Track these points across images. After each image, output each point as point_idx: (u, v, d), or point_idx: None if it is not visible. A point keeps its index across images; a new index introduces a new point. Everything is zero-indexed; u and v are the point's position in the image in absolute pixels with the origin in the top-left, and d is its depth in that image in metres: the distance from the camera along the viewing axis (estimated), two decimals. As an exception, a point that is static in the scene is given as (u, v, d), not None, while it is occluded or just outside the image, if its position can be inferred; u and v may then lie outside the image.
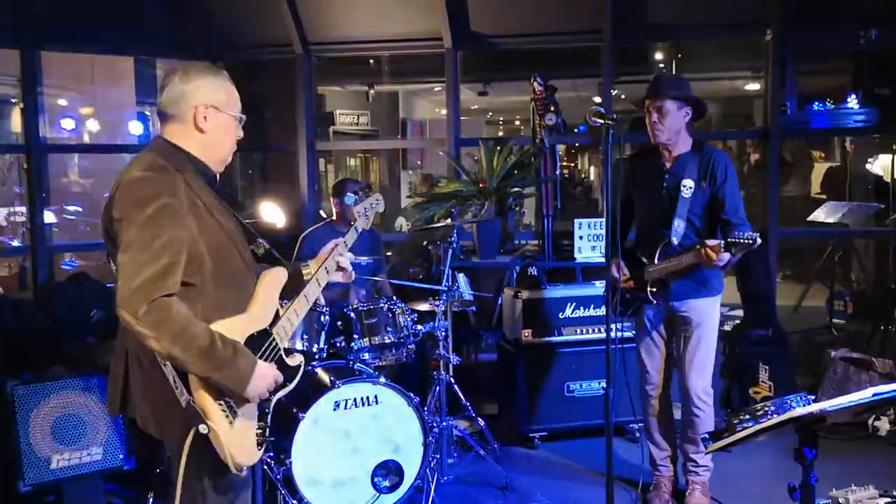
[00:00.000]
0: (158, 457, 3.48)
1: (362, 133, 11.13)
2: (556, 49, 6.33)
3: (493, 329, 5.27)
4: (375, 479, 3.51)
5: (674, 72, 8.41)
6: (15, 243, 7.67)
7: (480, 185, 5.35)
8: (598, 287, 4.62)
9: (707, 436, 2.34)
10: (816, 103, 5.68)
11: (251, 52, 6.06)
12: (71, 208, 9.02)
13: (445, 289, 4.05)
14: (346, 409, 3.46)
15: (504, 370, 4.79)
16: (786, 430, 2.08)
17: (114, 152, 7.84)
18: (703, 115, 3.66)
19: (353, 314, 3.76)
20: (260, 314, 2.18)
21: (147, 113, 9.34)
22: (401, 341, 3.81)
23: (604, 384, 2.84)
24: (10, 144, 8.23)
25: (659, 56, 8.79)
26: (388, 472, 3.55)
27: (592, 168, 17.54)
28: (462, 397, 4.15)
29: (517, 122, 16.97)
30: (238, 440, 2.05)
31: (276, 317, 2.23)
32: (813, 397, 2.28)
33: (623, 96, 9.87)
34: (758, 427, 2.11)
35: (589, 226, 5.10)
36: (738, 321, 5.19)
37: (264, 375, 2.09)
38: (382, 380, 3.56)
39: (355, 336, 3.72)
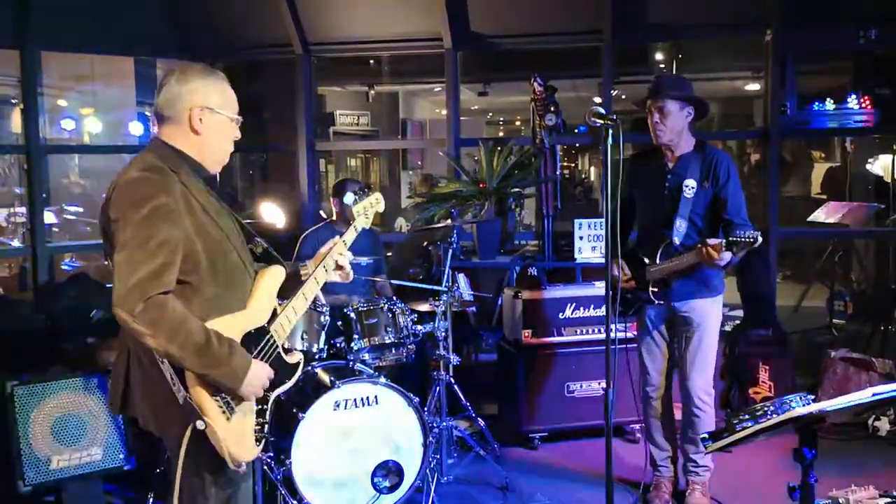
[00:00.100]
0: (158, 457, 3.48)
1: (362, 133, 11.13)
2: (556, 49, 6.33)
3: (493, 329, 5.27)
4: (375, 480, 3.51)
5: (674, 72, 8.41)
6: (15, 244, 7.67)
7: (480, 186, 5.35)
8: (598, 287, 4.61)
9: (706, 436, 2.34)
10: (816, 103, 5.68)
11: (251, 53, 6.07)
12: (71, 209, 9.01)
13: (445, 289, 4.05)
14: (346, 409, 3.46)
15: (504, 370, 4.79)
16: (786, 430, 2.08)
17: (114, 153, 7.84)
18: (705, 115, 3.65)
19: (353, 314, 3.76)
20: (257, 312, 2.20)
21: (147, 113, 9.31)
22: (401, 341, 3.81)
23: (604, 384, 2.83)
24: (10, 145, 8.24)
25: (659, 56, 8.79)
26: (388, 472, 3.55)
27: (592, 168, 17.54)
28: (462, 397, 4.15)
29: (517, 123, 16.97)
30: (236, 436, 2.07)
31: (274, 315, 2.24)
32: (813, 397, 2.27)
33: (623, 96, 9.86)
34: (757, 427, 2.11)
35: (589, 226, 5.10)
36: (738, 321, 5.19)
37: (259, 374, 2.11)
38: (382, 380, 3.56)
39: (355, 336, 3.72)
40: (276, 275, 2.30)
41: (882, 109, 5.60)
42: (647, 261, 3.58)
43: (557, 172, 5.35)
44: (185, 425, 2.03)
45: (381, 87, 11.06)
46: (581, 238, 5.09)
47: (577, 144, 12.17)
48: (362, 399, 3.50)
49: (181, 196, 2.07)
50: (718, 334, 3.70)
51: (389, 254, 5.95)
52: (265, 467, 3.31)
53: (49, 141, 6.07)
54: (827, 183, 9.07)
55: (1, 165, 8.67)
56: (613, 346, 2.81)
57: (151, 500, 3.46)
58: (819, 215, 6.81)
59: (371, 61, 9.30)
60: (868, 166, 7.70)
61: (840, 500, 2.85)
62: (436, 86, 11.33)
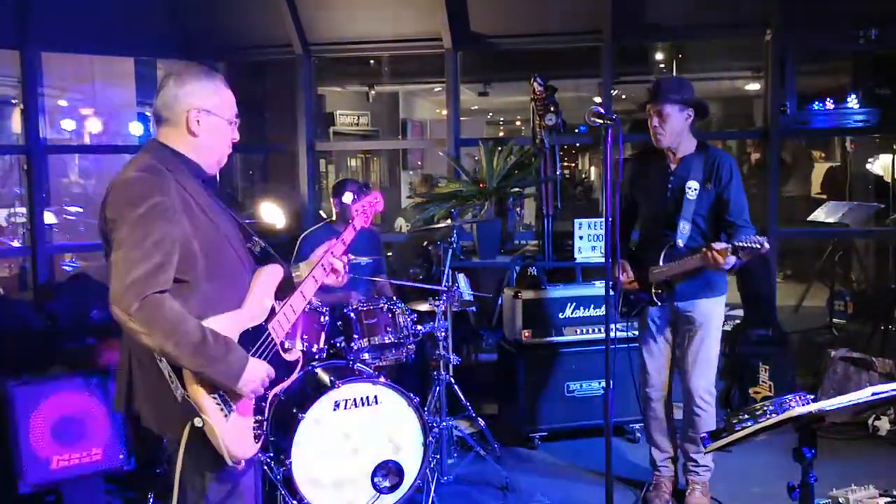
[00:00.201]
0: (158, 457, 3.48)
1: (362, 133, 11.13)
2: (556, 49, 6.33)
3: (493, 329, 5.27)
4: (375, 480, 3.51)
5: (674, 72, 8.42)
6: (15, 244, 7.67)
7: (480, 186, 5.35)
8: (599, 287, 4.62)
9: (706, 435, 2.34)
10: (816, 103, 5.68)
11: (251, 53, 6.07)
12: (71, 209, 9.01)
13: (445, 289, 4.05)
14: (346, 409, 3.46)
15: (504, 370, 4.79)
16: (785, 429, 2.08)
17: (114, 153, 7.82)
18: (705, 116, 3.63)
19: (353, 314, 3.76)
20: (255, 310, 2.21)
21: (147, 114, 9.31)
22: (401, 341, 3.81)
23: (604, 384, 2.83)
24: (10, 145, 8.23)
25: (659, 56, 8.79)
26: (388, 472, 3.54)
27: (593, 168, 17.52)
28: (462, 397, 4.15)
29: (517, 123, 16.96)
30: (234, 433, 2.08)
31: (272, 313, 2.25)
32: (812, 397, 2.27)
33: (623, 96, 9.86)
34: (757, 427, 2.11)
35: (589, 226, 5.10)
36: (738, 321, 5.19)
37: (255, 371, 2.11)
38: (382, 380, 3.56)
39: (355, 336, 3.72)
40: (274, 273, 2.31)
41: (882, 109, 5.60)
42: (650, 262, 3.57)
43: (557, 172, 5.35)
44: (184, 423, 2.04)
45: (381, 87, 11.07)
46: (581, 238, 5.09)
47: (577, 144, 12.16)
48: (362, 399, 3.49)
49: (178, 196, 2.08)
50: (721, 334, 3.70)
51: (389, 254, 5.95)
52: (265, 467, 3.30)
53: (49, 141, 6.06)
54: (827, 183, 9.07)
55: (1, 166, 8.67)
56: (613, 346, 2.82)
57: (151, 500, 3.46)
58: (819, 215, 6.81)
59: (371, 61, 9.30)
60: (868, 166, 7.70)
61: (840, 500, 2.85)
62: (436, 86, 11.33)
